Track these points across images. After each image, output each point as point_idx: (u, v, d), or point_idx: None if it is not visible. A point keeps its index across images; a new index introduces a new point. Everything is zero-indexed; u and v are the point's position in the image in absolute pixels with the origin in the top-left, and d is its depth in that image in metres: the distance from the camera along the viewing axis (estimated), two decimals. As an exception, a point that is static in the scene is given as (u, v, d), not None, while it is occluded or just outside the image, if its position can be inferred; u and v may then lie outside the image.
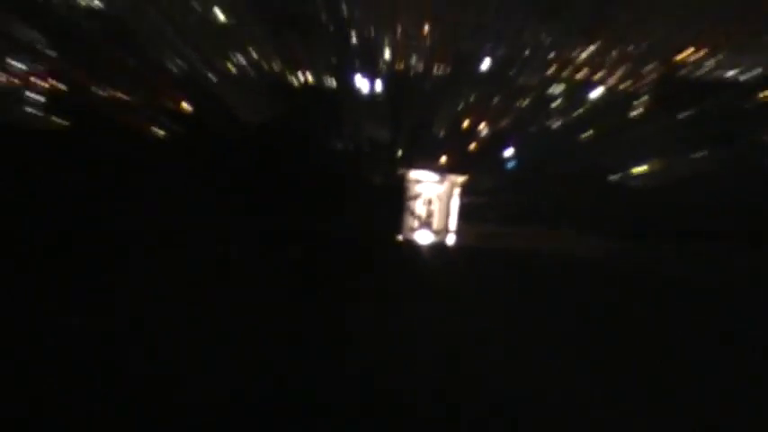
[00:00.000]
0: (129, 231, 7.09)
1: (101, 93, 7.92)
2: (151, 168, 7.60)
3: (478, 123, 9.18)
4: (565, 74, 8.84)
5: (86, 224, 7.13)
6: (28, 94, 7.98)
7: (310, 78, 8.51)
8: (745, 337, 6.34)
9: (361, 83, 8.63)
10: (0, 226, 7.15)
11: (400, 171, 8.51)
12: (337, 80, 8.55)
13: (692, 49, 8.27)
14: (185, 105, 8.06)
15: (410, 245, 8.36)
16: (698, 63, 8.35)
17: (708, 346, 5.95)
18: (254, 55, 8.33)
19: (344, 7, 7.81)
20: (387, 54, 8.64)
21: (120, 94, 7.88)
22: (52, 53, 7.82)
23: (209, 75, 8.17)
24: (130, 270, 6.75)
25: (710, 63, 8.35)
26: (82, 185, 7.29)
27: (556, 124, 9.20)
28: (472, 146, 9.15)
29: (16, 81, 8.00)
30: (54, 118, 7.89)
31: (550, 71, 8.81)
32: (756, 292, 6.79)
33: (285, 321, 6.15)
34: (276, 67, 8.40)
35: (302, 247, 7.17)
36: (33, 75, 7.95)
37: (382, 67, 8.71)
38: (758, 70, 8.11)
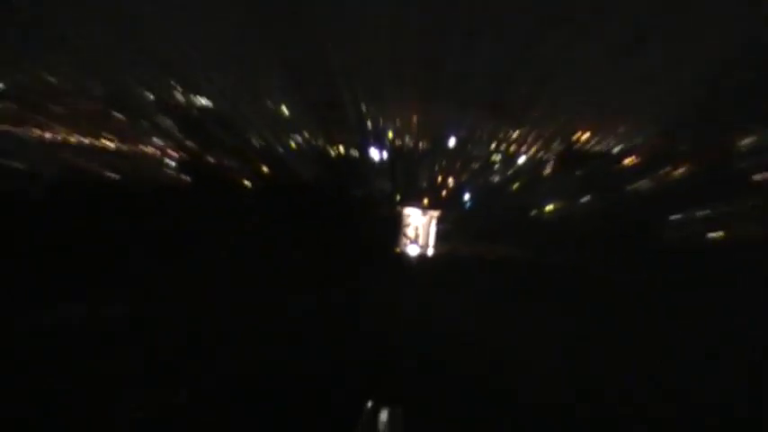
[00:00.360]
0: (230, 241, 9.65)
1: (211, 160, 11.05)
2: (242, 204, 10.83)
3: (447, 179, 12.40)
4: (502, 148, 12.04)
5: (205, 238, 9.53)
6: (166, 160, 11.07)
7: (342, 150, 11.68)
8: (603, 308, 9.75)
9: (374, 153, 11.84)
10: (146, 250, 9.04)
11: (398, 209, 11.46)
12: (359, 151, 11.75)
13: (580, 133, 11.62)
14: (264, 168, 11.23)
15: (404, 254, 11.31)
16: (585, 141, 11.65)
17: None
18: (306, 135, 11.54)
19: (364, 107, 11.14)
20: (390, 135, 11.83)
21: (223, 161, 11.03)
22: (180, 135, 10.99)
23: (279, 147, 11.36)
24: (218, 275, 8.78)
25: (593, 141, 11.65)
26: (197, 215, 9.88)
27: (496, 179, 12.44)
28: (443, 193, 12.37)
29: (158, 152, 11.08)
30: (182, 176, 11.00)
31: (493, 146, 12.04)
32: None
33: (314, 302, 8.54)
34: (320, 143, 11.59)
35: (335, 252, 9.93)
36: (168, 148, 11.07)
37: (387, 143, 11.84)
38: (621, 146, 11.56)
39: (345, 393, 5.48)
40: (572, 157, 11.84)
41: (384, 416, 5.39)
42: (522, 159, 12.21)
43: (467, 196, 12.41)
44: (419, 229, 11.27)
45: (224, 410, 4.41)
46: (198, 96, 11.04)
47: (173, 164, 11.14)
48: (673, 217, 11.30)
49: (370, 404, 5.53)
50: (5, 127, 10.60)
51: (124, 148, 11.10)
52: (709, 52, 10.19)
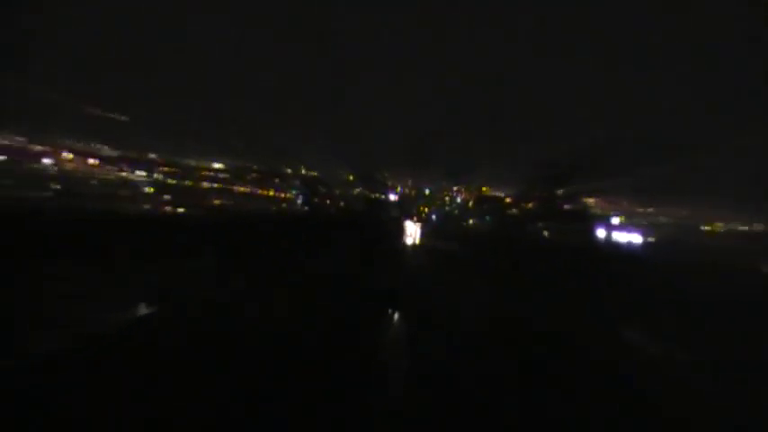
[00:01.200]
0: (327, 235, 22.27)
1: (316, 200, 22.90)
2: (331, 220, 23.18)
3: (425, 209, 25.12)
4: (449, 194, 24.88)
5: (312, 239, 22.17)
6: (297, 200, 23.14)
7: (376, 196, 23.92)
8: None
9: (392, 197, 24.50)
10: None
11: (402, 222, 23.82)
12: (384, 196, 24.10)
13: (485, 188, 24.58)
14: (341, 203, 23.22)
15: (405, 243, 23.49)
16: (487, 191, 24.42)
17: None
18: (360, 189, 23.79)
19: (385, 176, 23.82)
20: (398, 188, 24.61)
21: (323, 200, 23.05)
22: (303, 188, 23.07)
23: (348, 195, 23.65)
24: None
25: (492, 191, 24.51)
26: (311, 226, 22.57)
27: (446, 209, 25.15)
28: (423, 215, 25.07)
29: (293, 197, 23.50)
30: (304, 207, 22.90)
31: (445, 193, 24.79)
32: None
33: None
34: (366, 192, 23.78)
35: (374, 243, 22.51)
36: (298, 195, 23.43)
37: (399, 193, 24.56)
38: (503, 193, 24.44)
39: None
40: (481, 199, 24.75)
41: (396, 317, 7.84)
42: (458, 200, 25.65)
43: (433, 217, 25.54)
44: (413, 231, 23.93)
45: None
46: (311, 171, 23.67)
47: (299, 202, 23.57)
48: (528, 228, 24.23)
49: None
50: (223, 186, 22.81)
51: (278, 195, 23.56)
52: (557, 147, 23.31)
